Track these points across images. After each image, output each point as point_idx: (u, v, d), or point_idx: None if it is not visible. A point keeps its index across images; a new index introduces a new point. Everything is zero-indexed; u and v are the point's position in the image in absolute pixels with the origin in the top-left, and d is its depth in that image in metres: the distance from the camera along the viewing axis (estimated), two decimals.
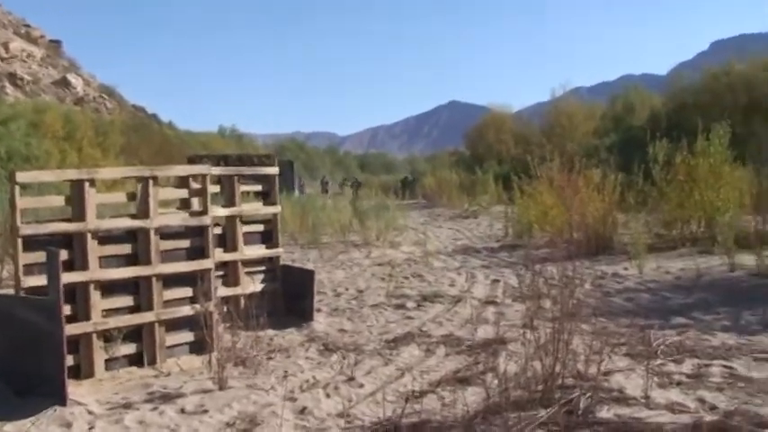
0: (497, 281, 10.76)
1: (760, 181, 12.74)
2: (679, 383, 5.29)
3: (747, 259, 10.15)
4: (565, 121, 40.32)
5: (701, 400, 4.82)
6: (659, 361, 5.75)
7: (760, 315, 7.51)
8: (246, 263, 8.41)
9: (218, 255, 7.69)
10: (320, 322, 8.32)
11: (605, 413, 4.63)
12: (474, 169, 33.59)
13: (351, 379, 5.95)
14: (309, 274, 8.67)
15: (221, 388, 5.77)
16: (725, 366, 5.66)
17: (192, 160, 9.08)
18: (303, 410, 5.21)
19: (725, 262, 10.29)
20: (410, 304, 9.21)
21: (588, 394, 4.74)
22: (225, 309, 7.15)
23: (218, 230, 7.90)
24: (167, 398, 5.60)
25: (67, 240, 6.16)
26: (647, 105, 38.82)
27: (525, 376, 5.06)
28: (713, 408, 4.65)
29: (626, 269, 11.04)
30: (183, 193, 7.59)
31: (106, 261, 6.37)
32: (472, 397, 5.02)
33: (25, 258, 5.90)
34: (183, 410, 5.31)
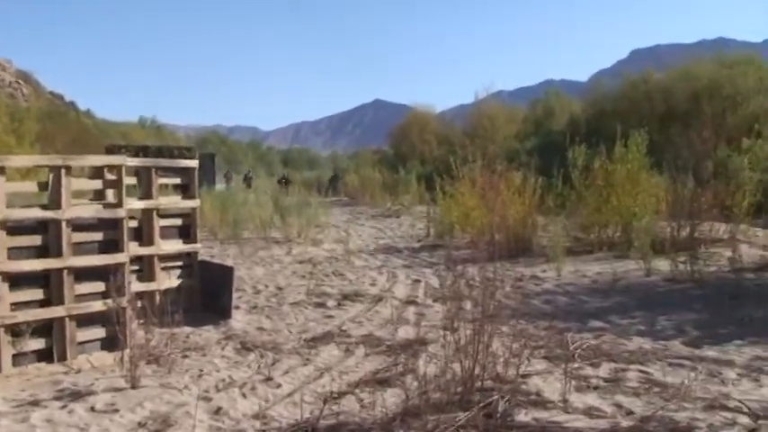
0: (418, 281, 10.76)
1: (676, 188, 13.06)
2: (596, 387, 5.35)
3: (662, 264, 10.41)
4: (487, 123, 40.79)
5: (618, 405, 4.88)
6: (577, 364, 5.81)
7: (674, 320, 7.68)
8: (163, 258, 8.20)
9: (134, 249, 7.47)
10: (238, 320, 8.16)
11: (523, 417, 4.65)
12: (397, 168, 33.66)
13: (268, 379, 5.83)
14: (228, 271, 8.50)
15: (134, 386, 5.59)
16: (641, 371, 5.75)
17: (109, 150, 8.79)
18: (218, 411, 5.07)
19: (641, 267, 10.53)
20: (330, 303, 9.13)
21: (507, 397, 4.75)
22: (139, 304, 6.94)
23: (133, 224, 7.67)
24: (77, 396, 5.39)
25: None
26: (566, 111, 39.67)
27: (444, 378, 5.04)
28: (630, 413, 4.71)
29: (544, 271, 11.17)
30: (98, 184, 7.35)
31: (15, 252, 6.09)
32: (391, 399, 4.98)
33: None
34: (93, 409, 5.11)
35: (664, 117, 25.36)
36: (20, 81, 56.58)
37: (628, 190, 13.22)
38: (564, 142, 14.71)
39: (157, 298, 7.83)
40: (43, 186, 6.54)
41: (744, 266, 10.15)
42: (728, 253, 11.18)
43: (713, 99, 24.53)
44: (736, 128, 21.04)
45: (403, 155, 44.03)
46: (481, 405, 4.56)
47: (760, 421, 4.40)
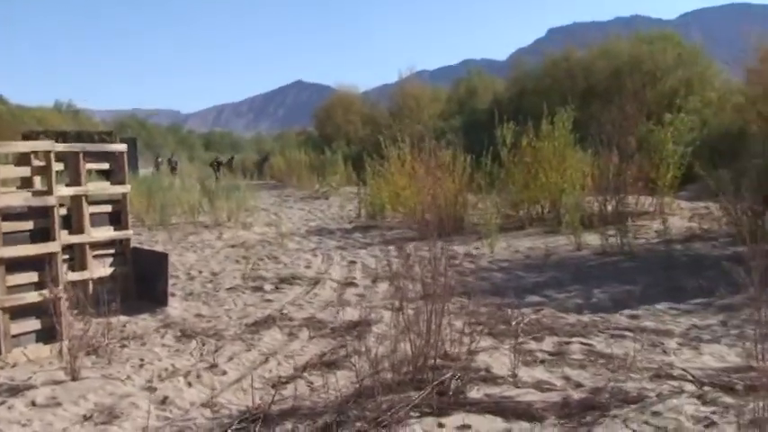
0: (354, 262, 10.74)
1: (600, 163, 13.32)
2: (542, 361, 5.43)
3: (592, 239, 10.63)
4: (412, 102, 40.90)
5: (566, 378, 4.97)
6: (520, 339, 5.87)
7: (609, 293, 7.85)
8: (94, 245, 7.97)
9: (64, 237, 7.23)
10: (175, 307, 8.01)
11: (476, 393, 4.68)
12: (323, 149, 33.49)
13: (213, 366, 5.74)
14: (162, 257, 8.32)
15: (74, 378, 5.43)
16: (583, 344, 5.87)
17: (27, 137, 8.47)
18: (164, 400, 4.96)
19: (571, 241, 10.73)
20: (268, 287, 9.03)
21: (458, 375, 4.77)
22: (73, 294, 6.72)
23: (62, 211, 7.42)
24: (15, 390, 5.21)
25: None
26: (489, 90, 40.04)
27: (395, 358, 5.03)
28: (579, 385, 4.79)
29: (477, 249, 11.27)
30: (25, 171, 7.07)
31: None
32: (342, 381, 4.94)
33: None
34: (33, 404, 4.95)
35: (585, 94, 25.74)
36: None
37: (555, 166, 13.43)
38: (489, 121, 14.85)
39: (90, 287, 7.62)
40: None
41: (672, 238, 10.44)
42: (656, 225, 11.50)
43: (633, 75, 25.04)
44: (655, 103, 21.56)
45: (328, 136, 43.86)
46: (434, 383, 4.57)
47: (705, 387, 4.53)
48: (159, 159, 44.32)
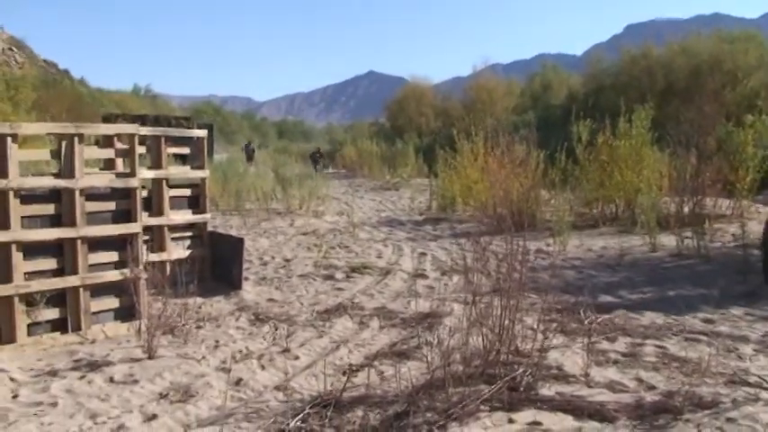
0: (424, 254, 10.75)
1: (677, 164, 13.06)
2: (615, 362, 5.35)
3: (667, 240, 10.42)
4: (485, 96, 40.72)
5: (639, 380, 4.88)
6: (593, 339, 5.80)
7: (684, 296, 7.69)
8: (173, 228, 8.18)
9: (144, 219, 7.42)
10: (248, 291, 8.15)
11: (547, 391, 4.64)
12: (394, 141, 33.55)
13: (285, 350, 5.82)
14: (238, 242, 8.47)
15: (151, 357, 5.58)
16: (657, 346, 5.75)
17: (106, 119, 8.70)
18: (239, 382, 5.06)
19: (646, 242, 10.53)
20: (339, 275, 9.11)
21: (529, 371, 4.74)
22: (152, 275, 6.90)
23: (143, 194, 7.62)
24: (95, 366, 5.38)
25: None
26: (564, 85, 39.56)
27: (466, 351, 5.03)
28: (651, 387, 4.71)
29: (548, 245, 11.15)
30: (110, 153, 7.28)
31: (29, 221, 6.04)
32: (412, 371, 4.96)
33: None
34: (112, 380, 5.10)
35: (663, 92, 25.28)
36: (12, 48, 55.88)
37: (631, 165, 13.19)
38: (563, 116, 14.68)
39: (168, 268, 7.80)
40: (55, 155, 6.48)
41: (749, 242, 10.16)
42: (733, 229, 11.20)
43: (714, 74, 24.45)
44: (735, 104, 21.02)
45: (400, 127, 43.96)
46: (505, 379, 4.55)
47: None
48: (249, 145, 41.59)
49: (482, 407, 4.33)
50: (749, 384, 4.70)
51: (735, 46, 26.64)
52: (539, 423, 4.17)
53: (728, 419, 4.06)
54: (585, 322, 6.29)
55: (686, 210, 11.84)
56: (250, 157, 36.30)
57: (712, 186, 12.30)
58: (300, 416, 4.29)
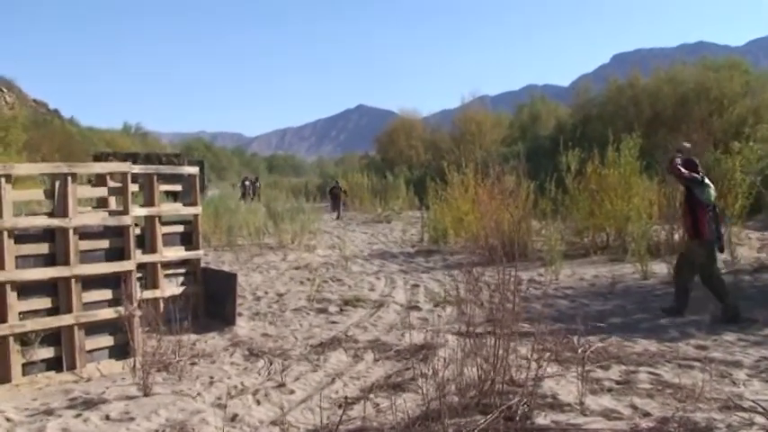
0: (417, 286, 10.78)
1: (666, 192, 13.19)
2: (610, 390, 5.38)
3: (658, 267, 10.48)
4: (474, 128, 40.98)
5: (634, 407, 4.91)
6: (587, 367, 5.82)
7: (677, 323, 7.73)
8: (166, 265, 8.19)
9: (138, 256, 7.44)
10: (242, 326, 8.16)
11: (542, 420, 4.66)
12: (385, 173, 33.66)
13: (281, 385, 5.83)
14: (231, 277, 8.48)
15: (146, 394, 5.57)
16: (651, 373, 5.79)
17: (97, 158, 8.76)
18: (234, 418, 5.06)
19: (637, 270, 10.59)
20: (332, 309, 9.13)
21: (525, 401, 4.76)
22: (145, 312, 6.90)
23: (136, 231, 7.64)
24: (90, 404, 5.37)
25: None
26: (552, 115, 39.89)
27: (461, 382, 5.05)
28: (646, 414, 4.74)
29: (541, 275, 11.20)
30: (103, 191, 7.31)
31: (23, 261, 6.06)
32: (408, 403, 4.97)
33: None
34: (107, 417, 5.10)
35: (650, 121, 25.51)
36: (3, 89, 56.08)
37: (621, 194, 13.31)
38: (552, 147, 14.82)
39: (161, 305, 7.81)
40: (48, 194, 6.51)
41: (740, 268, 10.24)
42: (723, 256, 11.26)
43: (700, 103, 24.72)
44: (723, 131, 21.24)
45: (390, 160, 44.19)
46: (501, 408, 4.57)
47: None
48: (247, 180, 39.19)
49: None
50: (743, 409, 4.73)
51: (720, 74, 26.94)
52: None
53: None
54: (579, 351, 6.30)
55: (676, 237, 11.91)
56: (251, 192, 34.22)
57: None
58: None
